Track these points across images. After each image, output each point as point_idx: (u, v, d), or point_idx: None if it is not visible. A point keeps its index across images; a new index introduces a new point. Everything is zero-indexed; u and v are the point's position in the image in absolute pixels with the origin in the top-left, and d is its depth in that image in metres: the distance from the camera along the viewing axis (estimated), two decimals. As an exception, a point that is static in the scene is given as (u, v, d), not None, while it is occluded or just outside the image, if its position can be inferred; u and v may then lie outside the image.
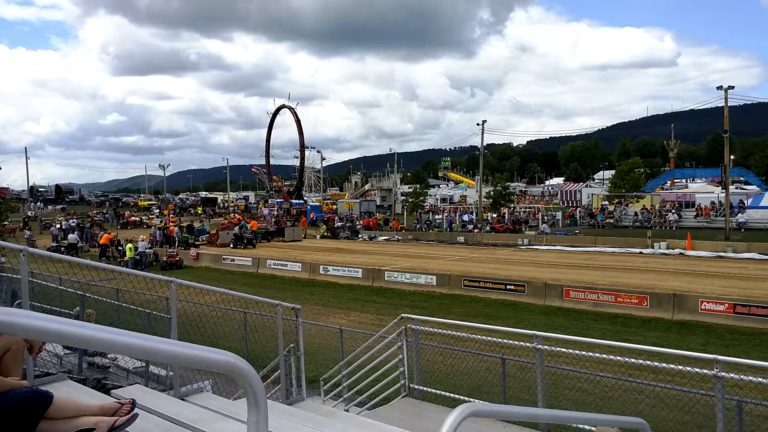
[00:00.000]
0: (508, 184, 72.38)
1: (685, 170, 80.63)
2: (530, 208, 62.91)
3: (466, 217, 53.04)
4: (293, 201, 68.71)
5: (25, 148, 77.00)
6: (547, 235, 40.59)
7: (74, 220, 48.82)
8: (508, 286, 20.86)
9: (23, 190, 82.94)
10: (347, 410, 8.24)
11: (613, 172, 70.39)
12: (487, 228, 46.95)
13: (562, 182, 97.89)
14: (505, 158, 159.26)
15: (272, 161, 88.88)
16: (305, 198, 76.16)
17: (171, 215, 57.99)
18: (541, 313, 18.43)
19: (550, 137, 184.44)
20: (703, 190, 56.87)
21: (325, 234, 48.17)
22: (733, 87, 36.83)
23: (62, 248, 35.66)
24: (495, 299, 20.40)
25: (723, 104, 37.12)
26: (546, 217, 50.71)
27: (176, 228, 39.42)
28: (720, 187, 48.16)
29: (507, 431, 6.43)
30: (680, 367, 6.23)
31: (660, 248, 32.94)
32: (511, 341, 7.53)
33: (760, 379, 5.81)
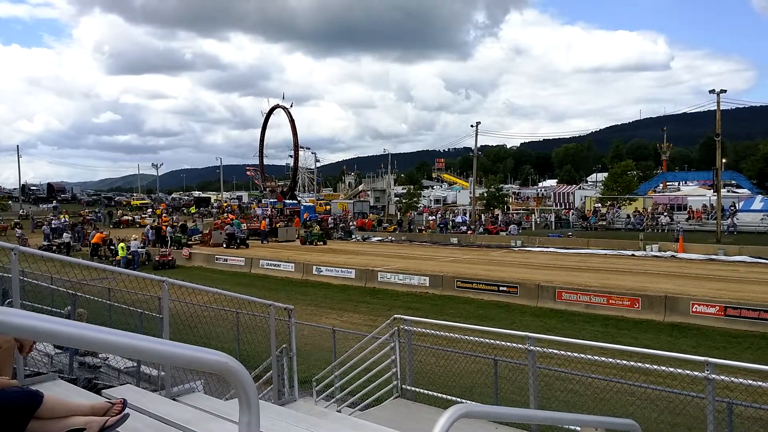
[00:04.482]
0: (501, 185, 72.52)
1: (677, 173, 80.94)
2: (523, 209, 63.16)
3: (459, 219, 53.16)
4: (286, 201, 68.48)
5: (18, 146, 76.17)
6: (514, 235, 42.23)
7: (66, 219, 48.60)
8: (500, 288, 20.89)
9: (15, 189, 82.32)
10: (339, 411, 8.24)
11: (605, 174, 70.64)
12: (480, 229, 47.08)
13: (555, 184, 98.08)
14: (498, 160, 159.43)
15: (266, 161, 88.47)
16: (299, 198, 75.98)
17: (164, 215, 57.83)
18: (533, 314, 18.46)
19: (544, 139, 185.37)
20: (695, 193, 57.14)
21: (319, 234, 48.04)
22: (725, 90, 36.91)
23: (54, 247, 35.50)
24: (488, 300, 20.41)
25: (715, 108, 37.26)
26: (516, 219, 52.19)
27: (169, 227, 39.25)
28: (712, 190, 48.46)
29: (499, 432, 6.44)
30: (671, 369, 6.27)
31: (652, 251, 33.09)
32: (503, 342, 7.56)
33: (751, 382, 5.85)
